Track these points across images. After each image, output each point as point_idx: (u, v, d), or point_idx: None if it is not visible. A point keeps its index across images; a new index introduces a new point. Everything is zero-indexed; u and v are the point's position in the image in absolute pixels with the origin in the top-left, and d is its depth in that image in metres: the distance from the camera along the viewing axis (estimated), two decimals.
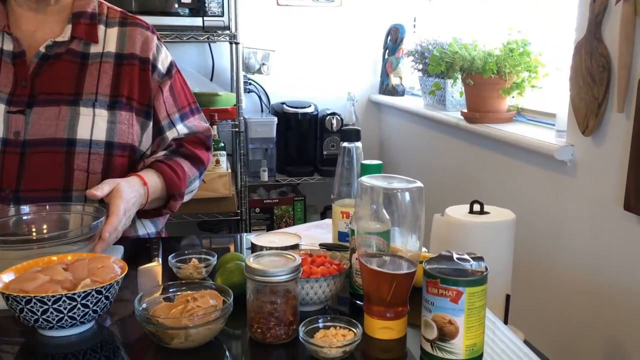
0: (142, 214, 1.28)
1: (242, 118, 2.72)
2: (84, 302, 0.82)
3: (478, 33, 2.24)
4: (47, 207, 1.14)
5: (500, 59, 1.92)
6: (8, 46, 1.22)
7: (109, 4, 1.35)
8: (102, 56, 1.27)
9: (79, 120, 1.21)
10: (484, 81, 1.96)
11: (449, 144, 2.38)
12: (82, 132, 1.20)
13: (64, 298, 0.80)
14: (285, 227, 2.78)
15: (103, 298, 0.84)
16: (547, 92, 1.97)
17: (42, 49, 1.22)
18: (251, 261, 0.83)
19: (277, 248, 1.02)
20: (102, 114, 1.23)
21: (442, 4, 2.87)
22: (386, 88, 3.10)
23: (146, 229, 1.36)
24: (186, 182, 1.30)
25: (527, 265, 1.79)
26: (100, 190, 1.10)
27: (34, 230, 1.12)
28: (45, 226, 1.13)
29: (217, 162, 2.62)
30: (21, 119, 1.18)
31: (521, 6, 2.14)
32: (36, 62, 1.22)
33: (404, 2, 3.13)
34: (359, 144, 1.09)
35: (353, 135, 1.08)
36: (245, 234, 1.95)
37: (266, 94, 3.10)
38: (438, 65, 2.11)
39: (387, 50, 3.12)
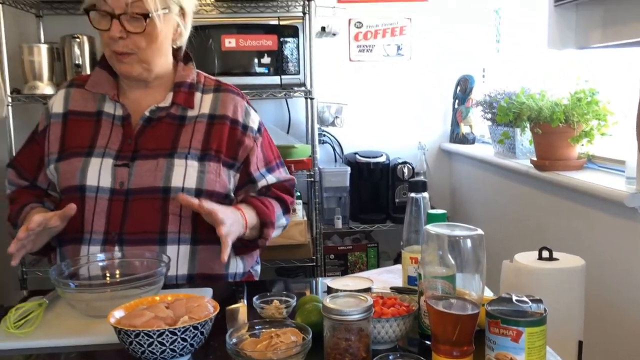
0: (240, 250, 1.45)
1: (317, 168, 2.85)
2: (183, 336, 0.94)
3: (545, 81, 2.28)
4: (119, 254, 1.31)
5: (568, 108, 1.96)
6: (118, 112, 1.44)
7: (206, 74, 1.55)
8: (196, 117, 1.46)
9: (174, 170, 1.38)
10: (552, 130, 2.00)
11: (519, 191, 2.41)
12: (176, 180, 1.38)
13: (166, 332, 0.92)
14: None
15: (199, 333, 0.96)
16: (617, 139, 1.98)
17: (146, 113, 1.42)
18: (328, 301, 0.93)
19: (351, 291, 1.11)
20: (193, 165, 1.40)
21: (510, 55, 2.94)
22: (456, 136, 3.17)
23: (236, 268, 1.50)
24: (275, 214, 1.47)
25: (599, 311, 1.78)
26: (195, 200, 1.28)
27: (107, 275, 1.29)
28: (117, 271, 1.29)
29: (294, 210, 2.75)
30: (125, 171, 1.37)
31: (588, 55, 2.18)
32: (141, 124, 1.42)
33: (473, 54, 3.22)
34: (425, 194, 1.18)
35: (420, 186, 1.17)
36: (320, 278, 2.06)
37: (339, 144, 3.24)
38: (506, 115, 2.17)
39: (457, 100, 3.20)
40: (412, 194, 1.17)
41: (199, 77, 1.52)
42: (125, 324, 0.95)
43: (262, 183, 1.52)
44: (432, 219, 1.07)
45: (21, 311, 1.08)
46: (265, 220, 1.44)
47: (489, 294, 1.24)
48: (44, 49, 2.65)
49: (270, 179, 1.53)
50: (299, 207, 2.77)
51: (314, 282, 1.93)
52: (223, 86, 1.53)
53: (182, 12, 1.43)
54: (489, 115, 2.53)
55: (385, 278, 1.35)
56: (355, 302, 0.93)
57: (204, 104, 1.48)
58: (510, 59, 2.93)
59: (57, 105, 1.48)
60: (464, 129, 3.13)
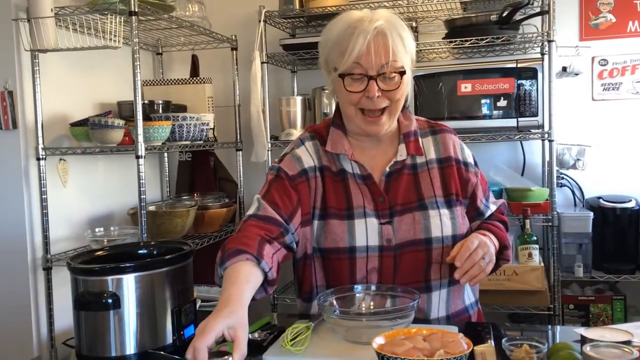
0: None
1: (555, 212, 2.74)
2: None
3: None
4: (373, 287, 1.42)
5: None
6: (356, 170, 1.49)
7: (415, 116, 1.59)
8: (427, 164, 1.52)
9: (430, 221, 1.46)
10: None
11: None
12: (435, 231, 1.45)
13: None
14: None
15: None
16: None
17: (387, 169, 1.49)
18: (589, 350, 0.92)
19: (613, 342, 1.07)
20: (445, 213, 1.48)
21: None
22: None
23: (469, 298, 1.55)
24: (507, 235, 1.55)
25: None
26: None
27: (363, 306, 1.39)
28: (372, 304, 1.40)
29: (530, 255, 2.67)
30: (390, 228, 1.46)
31: None
32: (384, 180, 1.49)
33: None
34: None
35: None
36: (558, 326, 1.97)
37: (579, 188, 3.07)
38: None
39: None
40: None
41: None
42: (387, 350, 1.05)
43: (487, 213, 1.59)
44: None
45: (295, 331, 1.26)
46: (505, 243, 1.51)
47: None
48: (298, 100, 3.01)
49: (492, 207, 1.60)
50: (535, 252, 2.67)
51: (550, 330, 1.87)
52: (436, 127, 1.58)
53: (411, 64, 1.47)
54: None
55: None
56: (619, 354, 0.91)
57: (427, 148, 1.53)
58: None
59: (311, 159, 1.51)
60: None
